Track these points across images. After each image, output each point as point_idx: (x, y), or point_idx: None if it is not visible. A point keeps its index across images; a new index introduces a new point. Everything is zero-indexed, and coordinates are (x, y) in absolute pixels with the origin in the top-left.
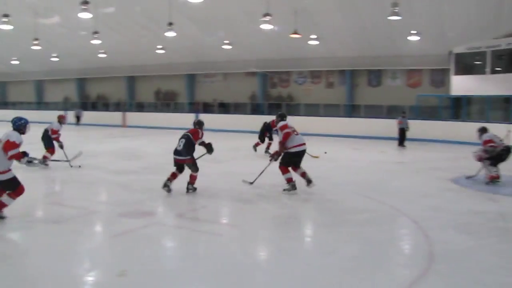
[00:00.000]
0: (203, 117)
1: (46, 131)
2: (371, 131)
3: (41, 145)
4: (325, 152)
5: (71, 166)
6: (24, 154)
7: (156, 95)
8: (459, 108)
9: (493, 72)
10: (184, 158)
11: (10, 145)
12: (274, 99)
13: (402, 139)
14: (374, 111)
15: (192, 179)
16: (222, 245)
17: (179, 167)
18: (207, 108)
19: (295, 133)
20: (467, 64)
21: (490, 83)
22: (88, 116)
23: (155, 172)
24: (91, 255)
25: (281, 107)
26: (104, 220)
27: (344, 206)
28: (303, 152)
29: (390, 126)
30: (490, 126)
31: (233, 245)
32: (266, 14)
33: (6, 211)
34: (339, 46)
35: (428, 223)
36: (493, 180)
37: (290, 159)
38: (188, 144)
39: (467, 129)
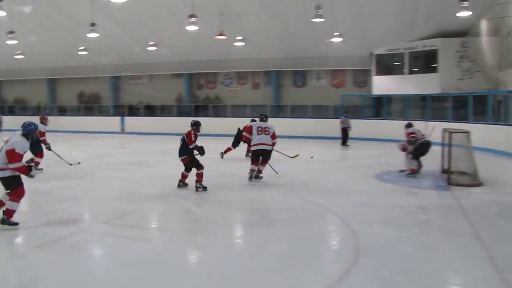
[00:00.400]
0: (128, 120)
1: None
2: (298, 130)
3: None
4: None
5: (71, 165)
6: (29, 168)
7: (79, 98)
8: (380, 107)
9: (411, 72)
10: (181, 157)
11: (14, 156)
12: (201, 101)
13: (345, 138)
14: (300, 111)
15: (198, 177)
16: (151, 251)
17: (185, 167)
18: (133, 111)
19: (260, 133)
20: (387, 64)
21: (408, 82)
22: (6, 121)
23: (79, 177)
24: (13, 268)
25: (208, 109)
26: (26, 231)
27: (272, 206)
28: (261, 151)
29: (317, 125)
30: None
31: (162, 250)
32: (191, 16)
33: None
34: (265, 47)
35: (355, 219)
36: (413, 172)
37: (253, 155)
38: (184, 145)
39: (388, 127)
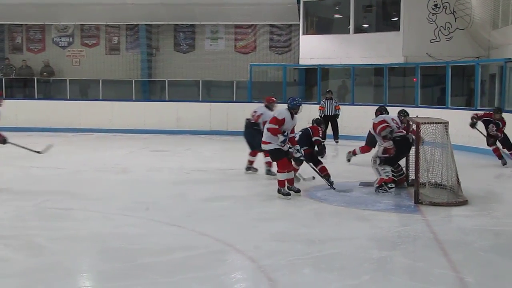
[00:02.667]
0: None
1: None
2: (182, 122)
3: None
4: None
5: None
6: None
7: None
8: (312, 83)
9: (359, 30)
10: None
11: (272, 120)
12: (19, 72)
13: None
14: (184, 91)
15: (325, 170)
16: None
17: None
18: None
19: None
20: (322, 18)
21: (355, 46)
22: None
23: None
24: None
25: (32, 86)
26: None
27: (140, 244)
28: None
29: (212, 113)
30: (354, 110)
31: None
32: None
33: None
34: None
35: (273, 261)
36: (385, 185)
37: None
38: (304, 137)
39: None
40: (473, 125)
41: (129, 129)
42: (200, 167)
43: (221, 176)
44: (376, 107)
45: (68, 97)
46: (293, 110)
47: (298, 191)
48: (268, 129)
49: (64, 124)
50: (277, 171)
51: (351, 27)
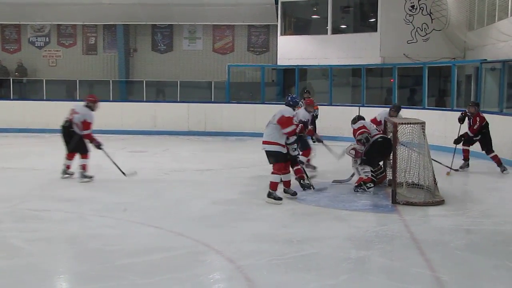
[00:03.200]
0: None
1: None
2: (160, 122)
3: None
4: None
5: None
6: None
7: None
8: (289, 84)
9: (337, 31)
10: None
11: (286, 120)
12: None
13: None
14: (163, 91)
15: (299, 173)
16: None
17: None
18: None
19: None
20: (300, 19)
21: (333, 47)
22: None
23: None
24: None
25: (7, 87)
26: None
27: (118, 245)
28: None
29: (191, 114)
30: (332, 110)
31: None
32: None
33: None
34: None
35: (251, 261)
36: (363, 184)
37: None
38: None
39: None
40: (461, 119)
41: (107, 129)
42: (178, 168)
43: (199, 176)
44: (353, 106)
45: (44, 98)
46: (295, 106)
47: (294, 193)
48: (290, 132)
49: (40, 124)
50: (272, 173)
51: (329, 27)
